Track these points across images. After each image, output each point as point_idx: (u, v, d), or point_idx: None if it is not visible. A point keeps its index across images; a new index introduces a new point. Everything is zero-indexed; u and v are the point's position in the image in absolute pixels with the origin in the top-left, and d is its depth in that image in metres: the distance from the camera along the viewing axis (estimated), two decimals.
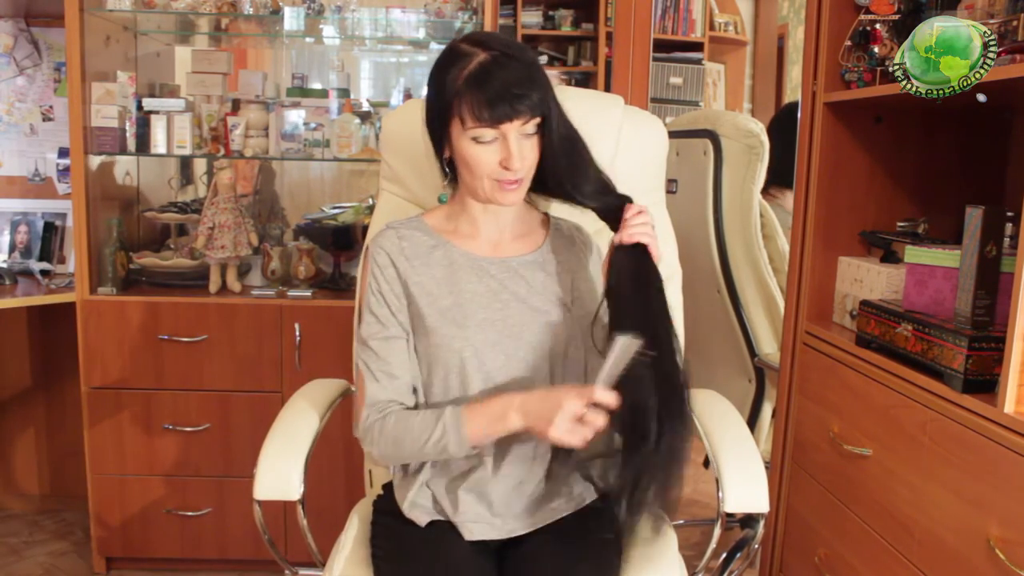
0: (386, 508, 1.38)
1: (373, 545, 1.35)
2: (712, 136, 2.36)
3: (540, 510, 1.30)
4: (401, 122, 1.65)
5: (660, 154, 1.63)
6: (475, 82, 1.18)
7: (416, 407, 1.31)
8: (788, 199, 2.47)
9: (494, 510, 1.28)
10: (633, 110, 1.62)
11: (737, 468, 1.34)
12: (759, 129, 2.33)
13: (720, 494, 1.32)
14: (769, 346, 2.34)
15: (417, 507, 1.31)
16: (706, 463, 1.48)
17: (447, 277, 1.31)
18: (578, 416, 1.14)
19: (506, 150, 1.21)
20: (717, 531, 1.39)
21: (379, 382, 1.28)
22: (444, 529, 1.29)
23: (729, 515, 1.33)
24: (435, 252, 1.33)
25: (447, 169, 1.31)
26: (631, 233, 1.27)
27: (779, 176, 2.48)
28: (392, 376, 1.28)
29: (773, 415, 2.34)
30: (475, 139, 1.21)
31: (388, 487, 1.42)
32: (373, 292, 1.31)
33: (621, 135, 1.57)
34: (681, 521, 2.64)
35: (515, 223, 1.37)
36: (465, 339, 1.27)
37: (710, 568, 1.48)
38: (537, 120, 1.22)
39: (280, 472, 1.32)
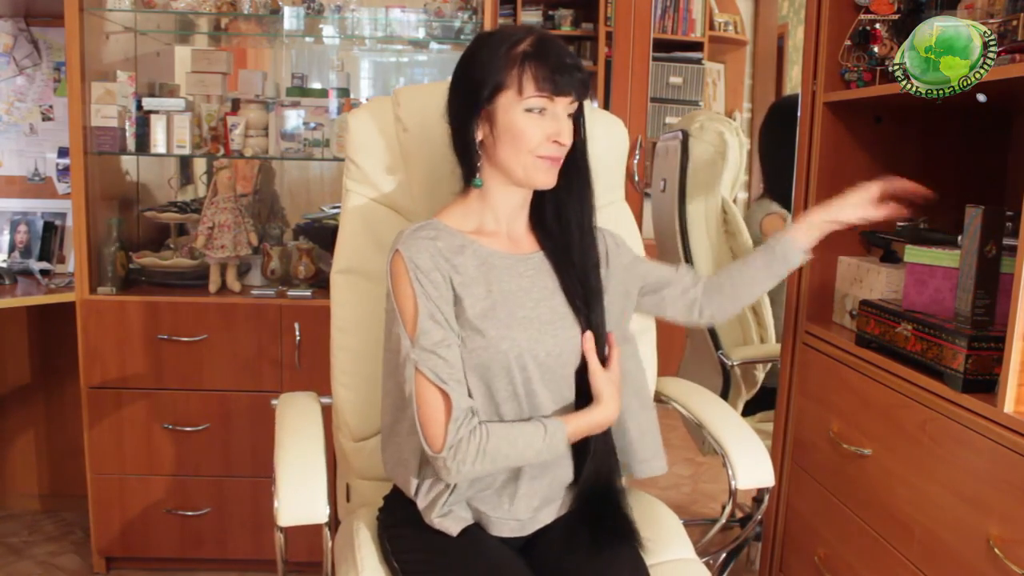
0: (397, 520, 1.34)
1: (399, 560, 1.31)
2: (683, 135, 2.40)
3: (560, 499, 1.33)
4: (371, 120, 1.54)
5: (621, 154, 1.63)
6: (538, 53, 1.22)
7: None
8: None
9: (518, 506, 1.29)
10: (597, 111, 1.62)
11: (741, 447, 1.43)
12: (724, 128, 2.39)
13: (729, 471, 1.40)
14: (729, 340, 2.38)
15: (449, 516, 1.27)
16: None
17: (481, 276, 1.27)
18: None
19: (557, 123, 1.23)
20: (729, 508, 1.48)
21: (458, 391, 1.21)
22: (474, 532, 1.27)
23: (732, 517, 1.36)
24: (465, 252, 1.28)
25: (473, 152, 1.28)
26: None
27: (773, 184, 2.53)
28: (461, 383, 1.23)
29: (746, 412, 2.38)
30: (529, 109, 1.22)
31: (390, 499, 1.40)
32: (426, 298, 1.22)
33: (588, 136, 1.56)
34: (681, 521, 2.63)
35: (540, 219, 1.35)
36: (512, 339, 1.24)
37: (710, 549, 1.53)
38: (576, 106, 1.26)
39: (304, 496, 1.27)
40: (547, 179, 1.26)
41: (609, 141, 1.61)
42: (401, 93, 1.52)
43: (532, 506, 1.30)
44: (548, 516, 1.32)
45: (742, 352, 2.33)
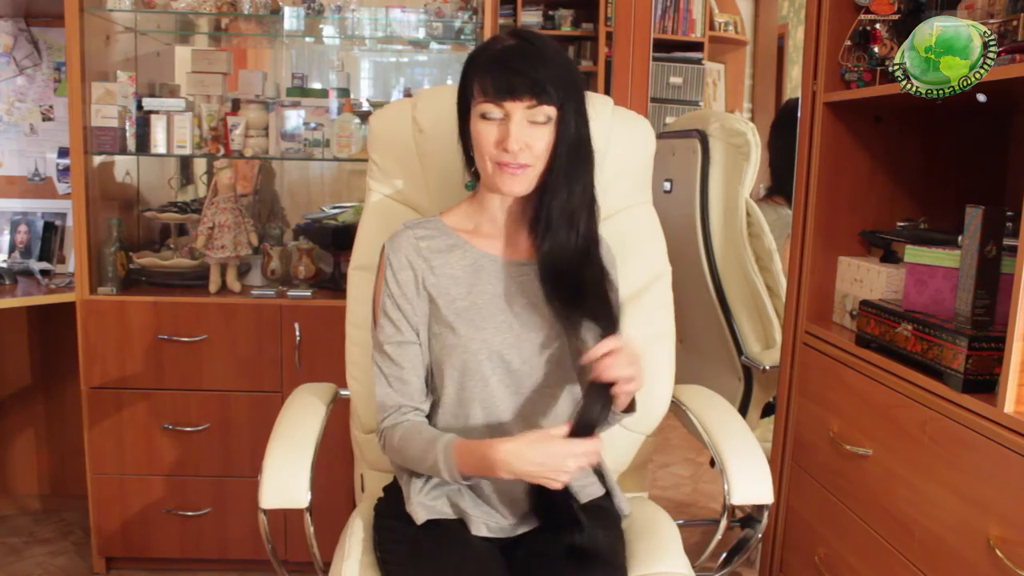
0: (390, 511, 1.36)
1: (381, 550, 1.33)
2: (701, 136, 2.38)
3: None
4: (390, 121, 1.60)
5: (648, 155, 1.62)
6: (492, 60, 1.23)
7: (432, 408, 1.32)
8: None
9: (503, 509, 1.29)
10: (622, 111, 1.61)
11: (741, 461, 1.37)
12: (747, 129, 2.36)
13: (726, 487, 1.35)
14: (756, 344, 2.36)
15: (425, 507, 1.28)
16: (711, 462, 1.50)
17: (465, 278, 1.30)
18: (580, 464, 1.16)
19: (505, 129, 1.21)
20: (723, 523, 1.41)
21: (391, 387, 1.29)
22: (454, 528, 1.28)
23: (732, 517, 1.34)
24: (454, 252, 1.32)
25: (470, 155, 1.30)
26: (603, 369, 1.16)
27: (782, 184, 2.52)
28: (404, 381, 1.29)
29: (764, 415, 2.36)
30: (482, 115, 1.23)
31: (388, 490, 1.41)
32: (388, 295, 1.30)
33: (611, 136, 1.57)
34: (681, 521, 2.64)
35: (535, 224, 1.32)
36: (483, 340, 1.26)
37: (708, 568, 1.48)
38: (548, 110, 1.21)
39: (286, 479, 1.30)
40: (509, 186, 1.24)
41: (633, 141, 1.61)
42: (420, 95, 1.57)
43: (514, 511, 1.30)
44: (534, 521, 1.30)
45: (773, 356, 2.25)
